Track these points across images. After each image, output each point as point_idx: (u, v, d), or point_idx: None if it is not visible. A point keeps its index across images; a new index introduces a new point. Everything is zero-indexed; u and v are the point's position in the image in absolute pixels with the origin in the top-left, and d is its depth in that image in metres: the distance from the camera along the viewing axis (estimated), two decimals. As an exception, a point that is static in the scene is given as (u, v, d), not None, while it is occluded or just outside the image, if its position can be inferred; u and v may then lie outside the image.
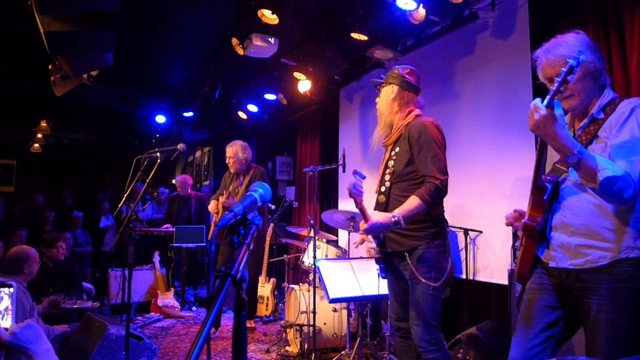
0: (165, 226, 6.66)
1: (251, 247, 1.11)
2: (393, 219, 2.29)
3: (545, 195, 1.77)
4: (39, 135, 9.69)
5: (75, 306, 4.28)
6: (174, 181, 6.52)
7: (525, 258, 1.86)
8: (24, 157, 10.68)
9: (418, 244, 2.39)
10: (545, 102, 1.53)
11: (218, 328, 4.26)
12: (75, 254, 6.32)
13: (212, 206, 4.81)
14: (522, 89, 3.77)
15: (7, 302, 2.65)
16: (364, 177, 2.40)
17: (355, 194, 2.32)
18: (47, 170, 11.21)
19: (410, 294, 2.41)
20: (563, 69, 1.50)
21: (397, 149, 2.54)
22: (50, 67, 4.79)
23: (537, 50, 1.82)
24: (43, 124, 9.26)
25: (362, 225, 2.38)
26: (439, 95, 4.65)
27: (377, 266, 2.59)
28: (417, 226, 2.40)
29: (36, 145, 9.92)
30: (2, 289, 2.67)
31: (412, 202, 2.32)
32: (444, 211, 2.53)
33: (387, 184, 2.54)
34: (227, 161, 4.95)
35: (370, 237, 2.66)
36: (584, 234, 1.70)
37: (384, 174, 2.58)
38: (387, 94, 2.62)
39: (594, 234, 1.68)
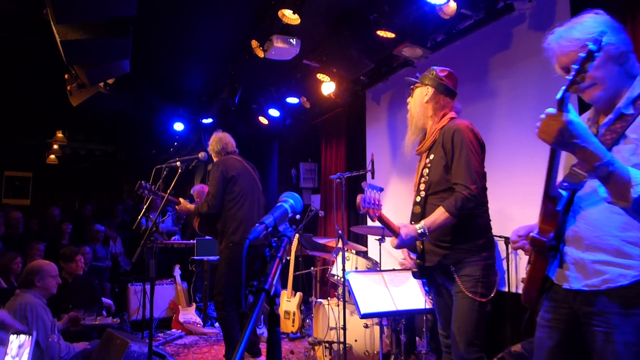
0: (173, 237, 6.77)
1: (284, 260, 1.12)
2: (419, 231, 2.31)
3: (559, 205, 1.61)
4: (55, 146, 9.97)
5: (95, 323, 4.39)
6: (192, 191, 6.60)
7: (533, 277, 1.69)
8: (40, 168, 10.98)
9: (464, 257, 2.36)
10: (560, 94, 1.37)
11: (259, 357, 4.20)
12: (94, 268, 6.45)
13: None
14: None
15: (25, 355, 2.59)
16: (379, 189, 2.40)
17: (368, 208, 2.30)
18: (64, 182, 11.50)
19: (453, 309, 2.40)
20: (581, 54, 1.34)
21: (431, 156, 2.53)
22: (66, 76, 4.94)
23: (548, 36, 1.67)
24: (59, 134, 9.52)
25: (393, 240, 2.39)
26: (473, 95, 4.61)
27: (415, 280, 2.58)
28: (461, 237, 2.37)
29: (52, 156, 10.20)
30: (18, 338, 2.63)
31: (438, 214, 2.33)
32: (490, 220, 2.50)
33: (423, 193, 2.53)
34: None
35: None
36: (601, 249, 1.53)
37: (419, 183, 2.57)
38: (421, 96, 2.61)
39: (614, 250, 1.50)
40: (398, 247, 2.38)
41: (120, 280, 6.94)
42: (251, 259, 4.17)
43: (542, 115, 1.42)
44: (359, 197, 2.30)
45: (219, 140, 4.45)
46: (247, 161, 4.46)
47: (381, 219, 2.36)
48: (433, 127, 2.57)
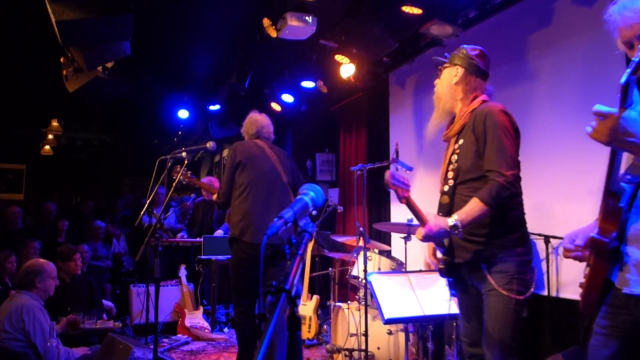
0: (179, 235, 6.83)
1: (305, 258, 1.13)
2: (451, 224, 2.29)
3: (622, 201, 1.59)
4: (50, 137, 10.11)
5: (95, 326, 4.46)
6: None
7: (593, 282, 1.70)
8: (33, 161, 11.16)
9: (496, 252, 2.35)
10: (624, 78, 1.34)
11: None
12: (93, 268, 6.55)
13: None
14: (613, 64, 3.65)
15: None
16: (409, 168, 2.40)
17: (396, 186, 2.27)
18: (59, 175, 11.67)
19: (485, 310, 2.38)
20: None
21: (460, 141, 2.52)
22: (62, 60, 4.99)
23: (610, 6, 1.64)
24: (54, 123, 9.65)
25: (419, 231, 2.37)
26: (508, 77, 4.57)
27: (444, 280, 2.57)
28: (494, 231, 2.36)
29: (47, 147, 10.36)
30: None
31: (472, 205, 2.31)
32: (524, 213, 2.48)
33: (451, 182, 2.52)
34: None
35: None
36: None
37: (447, 171, 2.57)
38: (450, 76, 2.61)
39: None
40: (425, 239, 2.36)
41: (122, 281, 7.03)
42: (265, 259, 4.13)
43: (597, 108, 1.39)
44: (387, 173, 2.27)
45: (254, 123, 4.23)
46: (275, 148, 4.22)
47: (409, 202, 2.34)
48: (463, 109, 2.57)
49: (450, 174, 2.53)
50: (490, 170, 2.33)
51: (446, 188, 2.54)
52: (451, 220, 2.29)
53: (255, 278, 3.78)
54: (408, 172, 2.40)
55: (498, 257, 2.34)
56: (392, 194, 6.20)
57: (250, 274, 3.81)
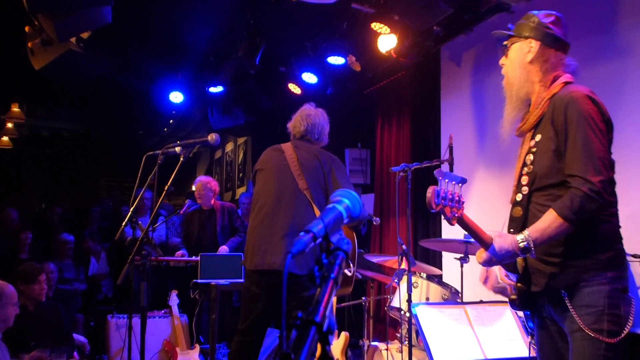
0: (178, 253, 6.80)
1: (339, 283, 1.14)
2: (521, 245, 2.29)
3: None
4: (10, 125, 10.28)
5: (65, 367, 4.50)
6: (193, 185, 6.65)
7: None
8: (-12, 155, 11.32)
9: (580, 277, 2.34)
10: None
11: None
12: (61, 293, 6.57)
13: None
14: None
15: None
16: (460, 181, 2.38)
17: (443, 206, 2.30)
18: (20, 174, 11.77)
19: (570, 356, 2.37)
20: None
21: (538, 137, 2.51)
22: (26, 29, 5.07)
23: None
24: (15, 109, 9.80)
25: (480, 254, 2.39)
26: (594, 52, 4.51)
27: (511, 314, 2.56)
28: (578, 249, 2.35)
29: (5, 138, 10.55)
30: None
31: (548, 219, 2.31)
32: (619, 227, 2.46)
33: (525, 190, 2.51)
34: None
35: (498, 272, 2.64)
36: None
37: (520, 176, 2.56)
38: (522, 54, 2.59)
39: None
40: (487, 263, 2.38)
41: (97, 311, 7.07)
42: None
43: None
44: (430, 190, 2.29)
45: (305, 119, 4.35)
46: (304, 147, 4.26)
47: (463, 221, 2.35)
48: (541, 95, 2.55)
49: (525, 179, 2.52)
50: (572, 175, 2.32)
51: (519, 197, 2.54)
52: (521, 239, 2.29)
53: (262, 311, 3.87)
54: (460, 185, 2.38)
55: (582, 285, 2.33)
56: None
57: (254, 306, 3.91)
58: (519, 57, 2.60)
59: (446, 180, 2.35)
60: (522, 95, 2.61)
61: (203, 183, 6.90)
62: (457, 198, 2.33)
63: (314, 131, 4.29)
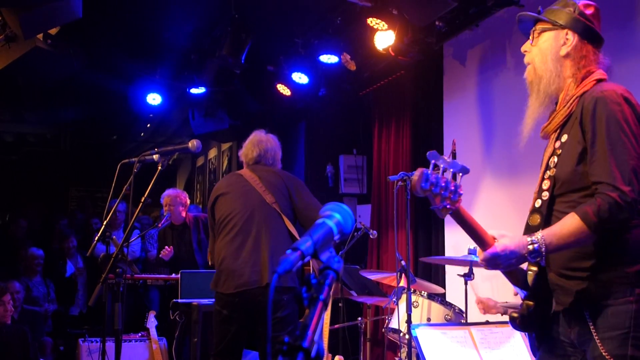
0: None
1: (328, 305, 1.07)
2: (530, 246, 2.24)
3: None
4: (-31, 130, 10.22)
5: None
6: (161, 199, 6.66)
7: None
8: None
9: (604, 293, 2.27)
10: None
11: None
12: (27, 313, 6.56)
13: None
14: None
15: None
16: (460, 169, 2.25)
17: (434, 193, 2.15)
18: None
19: None
20: None
21: (564, 137, 2.45)
22: (-12, 24, 5.05)
23: None
24: (-26, 111, 9.76)
25: (480, 254, 2.37)
26: (608, 50, 4.47)
27: (520, 335, 2.64)
28: (603, 260, 2.28)
29: (-36, 145, 10.47)
30: None
31: (567, 223, 2.26)
32: None
33: (545, 195, 2.46)
34: None
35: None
36: None
37: (542, 180, 2.51)
38: (556, 45, 2.53)
39: None
40: (488, 262, 2.31)
41: (68, 334, 7.09)
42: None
43: None
44: (417, 172, 2.15)
45: (257, 145, 4.57)
46: (259, 168, 4.52)
47: (459, 215, 2.27)
48: (570, 93, 2.49)
49: (546, 184, 2.48)
50: (599, 182, 2.26)
51: (538, 203, 2.49)
52: (531, 240, 2.24)
53: (234, 334, 4.11)
54: (461, 175, 2.29)
55: (606, 303, 2.27)
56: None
57: (227, 329, 4.15)
58: (553, 49, 2.54)
59: (441, 165, 2.20)
60: (551, 92, 2.55)
61: (172, 197, 6.86)
62: (452, 187, 2.20)
63: (267, 157, 4.54)
